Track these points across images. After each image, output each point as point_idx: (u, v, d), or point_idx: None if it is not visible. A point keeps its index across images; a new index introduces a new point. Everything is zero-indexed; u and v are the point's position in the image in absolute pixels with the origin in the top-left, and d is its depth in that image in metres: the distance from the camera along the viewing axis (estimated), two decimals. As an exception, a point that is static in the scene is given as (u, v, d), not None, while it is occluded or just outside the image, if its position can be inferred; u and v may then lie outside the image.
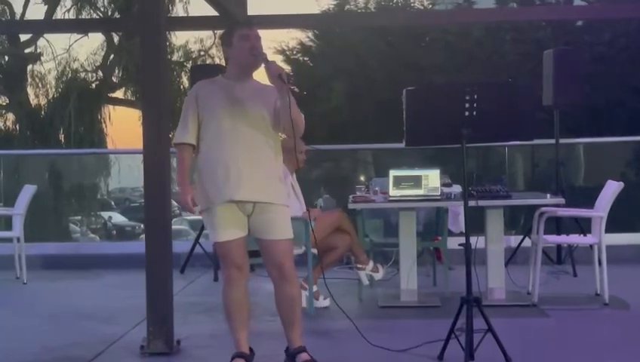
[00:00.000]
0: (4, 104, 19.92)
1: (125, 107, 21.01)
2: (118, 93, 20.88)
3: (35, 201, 7.38)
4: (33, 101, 19.88)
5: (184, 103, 4.11)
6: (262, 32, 4.07)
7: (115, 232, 16.49)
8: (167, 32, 6.56)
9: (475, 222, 5.39)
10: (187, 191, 4.02)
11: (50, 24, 14.64)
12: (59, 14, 19.57)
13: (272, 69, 3.88)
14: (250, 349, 4.14)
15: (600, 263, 5.60)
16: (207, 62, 19.37)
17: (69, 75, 19.86)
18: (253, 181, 3.92)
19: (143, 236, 5.13)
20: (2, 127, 19.66)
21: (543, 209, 5.70)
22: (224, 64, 4.64)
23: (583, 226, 6.67)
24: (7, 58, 20.15)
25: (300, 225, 5.11)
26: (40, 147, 17.55)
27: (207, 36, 20.56)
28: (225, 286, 4.08)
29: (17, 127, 19.43)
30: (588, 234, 6.14)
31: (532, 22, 12.40)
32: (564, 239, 6.74)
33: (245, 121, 3.94)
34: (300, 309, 4.14)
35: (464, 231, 4.24)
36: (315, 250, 5.43)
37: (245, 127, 3.93)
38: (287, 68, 14.22)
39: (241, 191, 3.90)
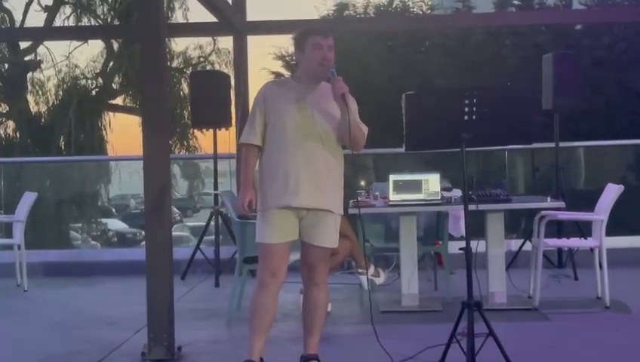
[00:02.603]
0: (5, 112, 19.90)
1: (125, 114, 21.00)
2: (118, 100, 20.88)
3: (35, 209, 7.39)
4: (33, 108, 19.87)
5: (253, 103, 4.13)
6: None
7: (115, 239, 16.48)
8: (166, 39, 6.57)
9: (476, 226, 5.40)
10: (247, 192, 4.03)
11: (50, 31, 14.69)
12: (58, 22, 19.61)
13: (335, 88, 3.88)
14: (261, 359, 4.10)
15: (601, 266, 5.60)
16: (207, 68, 19.38)
17: (69, 82, 19.84)
18: (311, 187, 3.93)
19: (143, 243, 5.12)
20: (3, 135, 19.63)
21: (544, 212, 5.70)
22: (221, 69, 4.66)
23: (583, 229, 6.67)
24: (7, 66, 20.15)
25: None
26: (40, 154, 17.54)
27: (206, 42, 20.57)
28: (256, 288, 4.08)
29: (18, 135, 19.41)
30: (588, 238, 6.13)
31: (531, 26, 12.40)
32: (564, 242, 6.74)
33: (309, 127, 3.94)
34: (322, 317, 4.15)
35: (465, 236, 4.24)
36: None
37: (308, 133, 3.94)
38: (286, 73, 14.22)
39: (298, 198, 3.92)
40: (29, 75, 19.98)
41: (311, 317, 4.13)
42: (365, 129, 4.07)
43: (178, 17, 19.27)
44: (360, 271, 5.83)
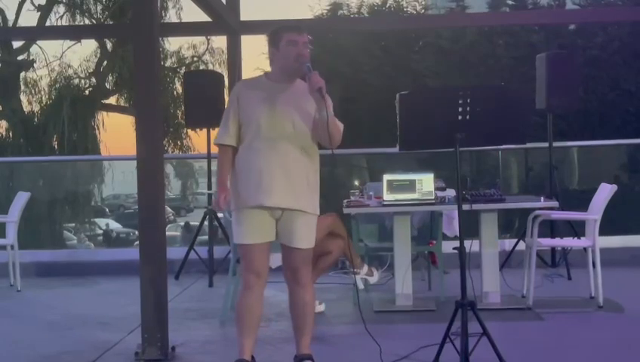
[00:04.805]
0: (-2, 111, 19.88)
1: (119, 113, 21.01)
2: (112, 100, 20.87)
3: (28, 208, 7.36)
4: (26, 108, 19.86)
5: (227, 102, 4.09)
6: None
7: (109, 239, 16.45)
8: (160, 38, 6.55)
9: (470, 226, 5.40)
10: (222, 191, 4.02)
11: (43, 31, 14.65)
12: (52, 21, 19.59)
13: (312, 81, 3.84)
14: (252, 357, 4.10)
15: (594, 266, 5.61)
16: (201, 68, 19.37)
17: (63, 81, 19.83)
18: (285, 187, 3.90)
19: (137, 243, 5.11)
20: (-4, 135, 19.62)
21: (537, 212, 5.70)
22: (215, 69, 4.64)
23: (577, 229, 6.68)
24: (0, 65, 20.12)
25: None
26: (33, 154, 17.51)
27: (200, 42, 20.59)
28: (241, 289, 4.08)
29: (11, 135, 19.38)
30: (582, 237, 6.15)
31: (525, 26, 12.43)
32: (558, 242, 6.76)
33: (282, 126, 3.92)
34: (311, 316, 4.14)
35: (458, 235, 4.24)
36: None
37: (281, 132, 3.91)
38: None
39: (272, 197, 3.90)
40: (22, 74, 19.95)
41: (301, 319, 4.10)
42: (341, 125, 4.01)
43: (172, 17, 19.30)
44: (354, 270, 5.82)
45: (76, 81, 20.27)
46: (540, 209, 5.73)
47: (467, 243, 4.14)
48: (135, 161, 4.67)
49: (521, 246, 6.74)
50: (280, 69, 4.01)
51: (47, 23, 19.37)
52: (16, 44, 19.76)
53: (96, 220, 15.60)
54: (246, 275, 4.04)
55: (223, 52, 19.29)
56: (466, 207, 4.43)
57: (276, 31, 4.04)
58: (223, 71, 16.75)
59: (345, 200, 5.78)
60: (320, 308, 5.68)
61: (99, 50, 20.16)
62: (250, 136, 3.95)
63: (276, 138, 3.91)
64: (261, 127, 3.91)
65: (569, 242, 6.62)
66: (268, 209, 3.94)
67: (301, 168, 3.96)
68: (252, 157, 3.94)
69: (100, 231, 15.88)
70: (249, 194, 3.93)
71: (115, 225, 17.61)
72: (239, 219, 3.99)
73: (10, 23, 19.53)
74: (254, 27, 8.36)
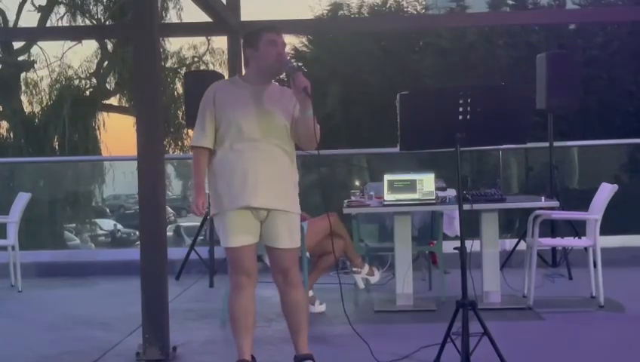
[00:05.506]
0: (-2, 112, 19.89)
1: (119, 114, 21.03)
2: (112, 100, 20.90)
3: (29, 209, 7.36)
4: (27, 109, 19.88)
5: (201, 104, 4.03)
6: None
7: (109, 239, 16.46)
8: (160, 39, 6.56)
9: (470, 226, 5.40)
10: (199, 195, 4.02)
11: (44, 31, 14.64)
12: (52, 21, 19.60)
13: (297, 81, 3.80)
14: (252, 357, 4.10)
15: (595, 266, 5.61)
16: (201, 68, 19.37)
17: (63, 82, 19.85)
18: (270, 188, 3.89)
19: (138, 243, 5.12)
20: (-4, 135, 19.62)
21: (538, 212, 5.71)
22: (215, 69, 4.62)
23: (577, 229, 6.68)
24: (0, 66, 20.12)
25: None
26: (34, 155, 17.52)
27: (200, 42, 20.62)
28: (232, 291, 4.05)
29: (11, 135, 19.39)
30: (583, 237, 6.15)
31: (525, 26, 12.44)
32: (559, 242, 6.76)
33: (264, 128, 3.90)
34: (306, 315, 4.12)
35: (459, 235, 4.25)
36: (308, 254, 5.44)
37: (263, 134, 3.89)
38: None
39: (258, 198, 3.88)
40: (23, 75, 19.96)
41: (295, 319, 4.08)
42: (317, 126, 3.99)
43: (172, 17, 19.33)
44: (355, 269, 5.83)
45: (77, 81, 20.29)
46: (541, 209, 5.73)
47: (468, 243, 4.14)
48: (135, 162, 4.67)
49: (522, 246, 6.75)
50: (259, 69, 3.99)
51: (48, 24, 19.39)
52: (17, 44, 19.78)
53: (99, 221, 15.60)
54: (237, 277, 4.01)
55: (223, 52, 19.33)
56: (466, 206, 4.43)
57: (254, 31, 4.02)
58: (224, 71, 16.78)
59: (345, 200, 5.77)
60: (320, 308, 5.69)
61: (99, 51, 20.18)
62: (230, 138, 3.91)
63: (259, 139, 3.89)
64: (243, 128, 3.89)
65: (570, 242, 6.62)
66: (253, 210, 3.91)
67: (284, 168, 3.96)
68: (235, 159, 3.91)
69: (101, 232, 15.86)
70: (233, 196, 3.90)
71: (113, 226, 17.60)
72: (224, 223, 3.95)
73: (11, 24, 19.54)
74: (255, 27, 8.36)
